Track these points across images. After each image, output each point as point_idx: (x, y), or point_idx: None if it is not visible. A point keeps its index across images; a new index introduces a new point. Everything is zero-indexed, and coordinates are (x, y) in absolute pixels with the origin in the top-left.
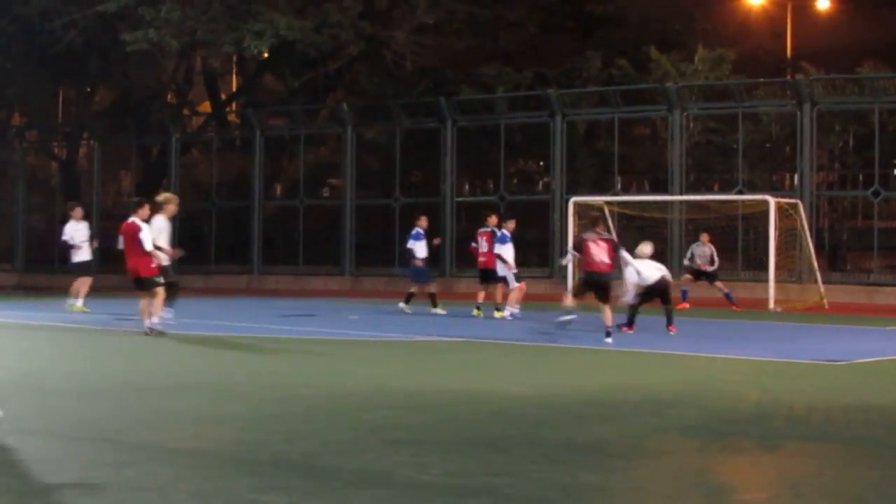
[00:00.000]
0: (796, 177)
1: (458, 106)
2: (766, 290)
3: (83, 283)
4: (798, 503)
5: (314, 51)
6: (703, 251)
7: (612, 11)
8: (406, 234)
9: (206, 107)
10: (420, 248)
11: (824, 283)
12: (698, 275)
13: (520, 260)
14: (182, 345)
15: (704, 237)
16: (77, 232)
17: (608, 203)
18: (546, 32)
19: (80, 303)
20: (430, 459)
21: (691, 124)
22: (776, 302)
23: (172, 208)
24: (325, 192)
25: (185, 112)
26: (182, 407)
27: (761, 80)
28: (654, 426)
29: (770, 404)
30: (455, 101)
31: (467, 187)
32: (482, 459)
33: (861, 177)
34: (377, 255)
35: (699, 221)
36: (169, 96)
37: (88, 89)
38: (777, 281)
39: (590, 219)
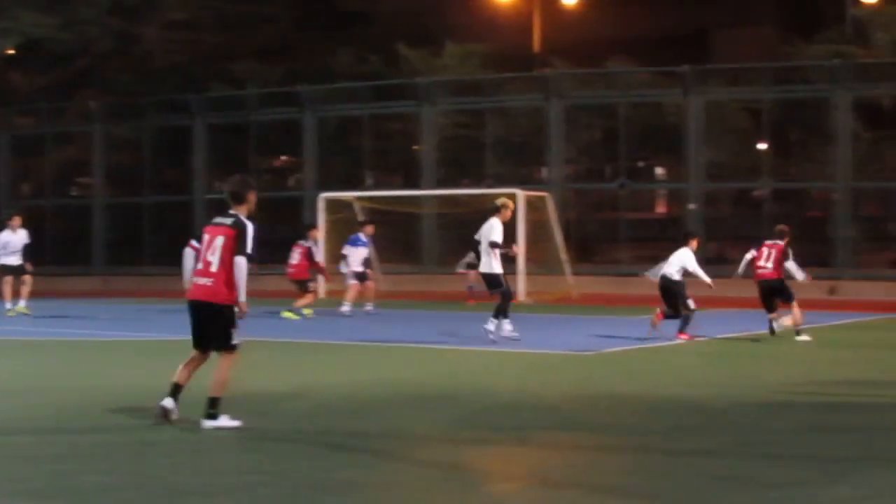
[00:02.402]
0: (545, 170)
1: (208, 103)
2: (516, 283)
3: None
4: (547, 492)
5: (62, 48)
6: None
7: (362, 7)
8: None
9: None
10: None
11: (574, 274)
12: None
13: (267, 258)
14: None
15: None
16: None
17: (359, 198)
18: (299, 28)
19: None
20: (181, 460)
21: (441, 119)
22: (527, 294)
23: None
24: (74, 192)
25: None
26: None
27: (509, 74)
28: (407, 420)
29: (521, 395)
30: (205, 98)
31: (218, 185)
32: (239, 459)
33: (608, 169)
34: (128, 254)
35: (452, 215)
36: None
37: None
38: (527, 273)
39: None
